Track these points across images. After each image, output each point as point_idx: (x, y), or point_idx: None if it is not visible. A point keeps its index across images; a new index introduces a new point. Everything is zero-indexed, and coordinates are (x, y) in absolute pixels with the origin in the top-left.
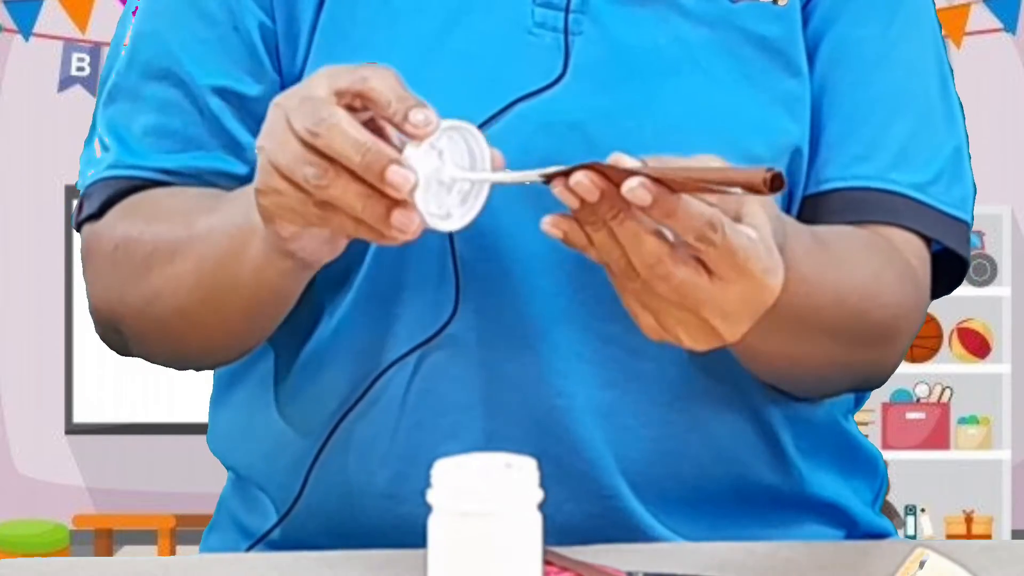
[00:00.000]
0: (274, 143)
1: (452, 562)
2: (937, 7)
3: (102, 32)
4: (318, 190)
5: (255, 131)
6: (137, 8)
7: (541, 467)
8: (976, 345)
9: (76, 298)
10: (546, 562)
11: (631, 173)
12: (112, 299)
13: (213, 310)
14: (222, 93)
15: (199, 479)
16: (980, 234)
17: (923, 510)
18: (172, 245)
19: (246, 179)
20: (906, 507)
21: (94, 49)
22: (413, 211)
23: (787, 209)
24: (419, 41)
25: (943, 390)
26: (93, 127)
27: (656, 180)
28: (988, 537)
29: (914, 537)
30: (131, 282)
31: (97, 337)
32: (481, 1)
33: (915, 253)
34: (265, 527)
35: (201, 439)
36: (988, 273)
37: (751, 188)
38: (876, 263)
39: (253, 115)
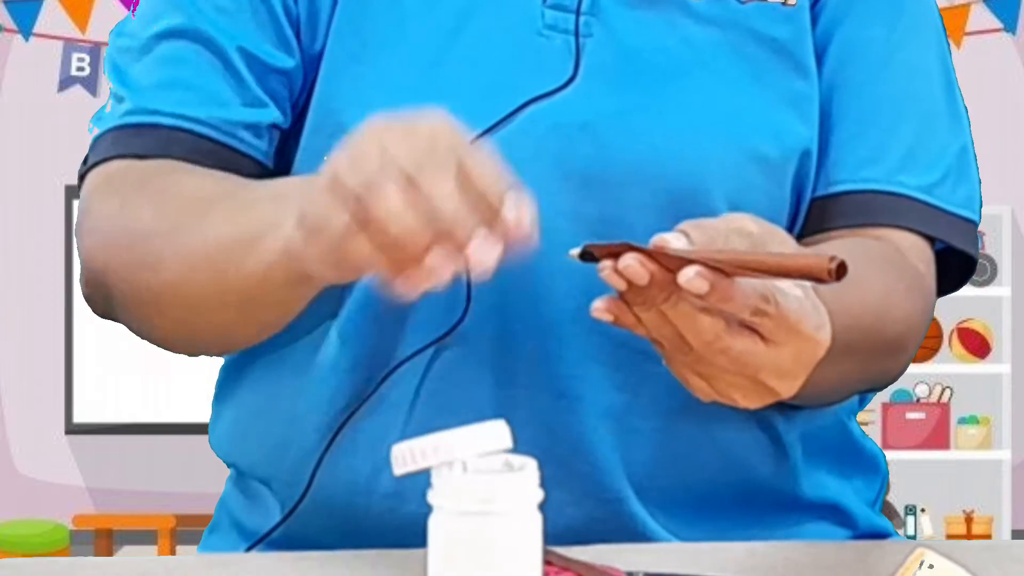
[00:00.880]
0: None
1: (452, 562)
2: (938, 7)
3: (102, 32)
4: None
5: (276, 103)
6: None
7: (546, 469)
8: (976, 345)
9: (76, 298)
10: (546, 562)
11: (684, 260)
12: (108, 260)
13: (214, 296)
14: (245, 55)
15: (199, 479)
16: (980, 234)
17: (923, 510)
18: (178, 215)
19: (261, 132)
20: (906, 507)
21: (94, 49)
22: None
23: (795, 210)
24: (429, 42)
25: (943, 390)
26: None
27: (711, 267)
28: (988, 537)
29: (914, 537)
30: (128, 248)
31: (97, 337)
32: (491, 2)
33: (921, 257)
34: (267, 526)
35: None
36: (988, 273)
37: (811, 277)
38: (887, 279)
39: (272, 87)
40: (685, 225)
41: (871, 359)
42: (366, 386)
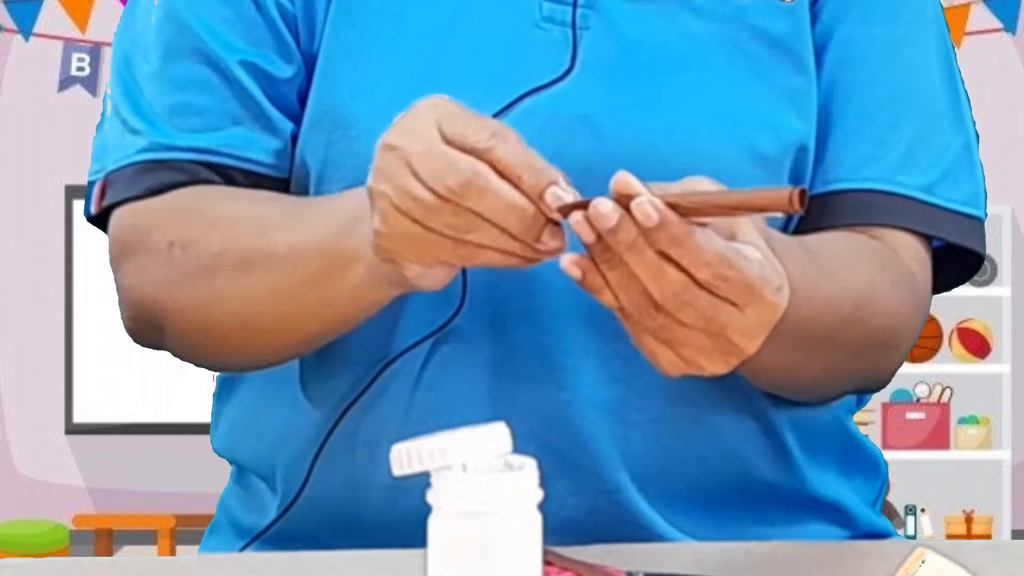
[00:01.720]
0: (399, 190)
1: (452, 562)
2: (940, 5)
3: (102, 32)
4: (463, 235)
5: (284, 112)
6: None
7: (545, 462)
8: (976, 345)
9: (76, 298)
10: (546, 562)
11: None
12: (163, 296)
13: (289, 326)
14: (250, 68)
15: (199, 479)
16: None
17: (923, 510)
18: (243, 254)
19: (279, 153)
20: (906, 507)
21: (94, 49)
22: (562, 231)
23: None
24: (427, 33)
25: (943, 390)
26: (105, 112)
27: (669, 205)
28: (988, 537)
29: (914, 537)
30: (189, 284)
31: (97, 337)
32: None
33: (915, 257)
34: (264, 523)
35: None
36: (988, 273)
37: (776, 209)
38: (869, 270)
39: (280, 95)
40: (652, 186)
41: (857, 352)
42: (363, 380)
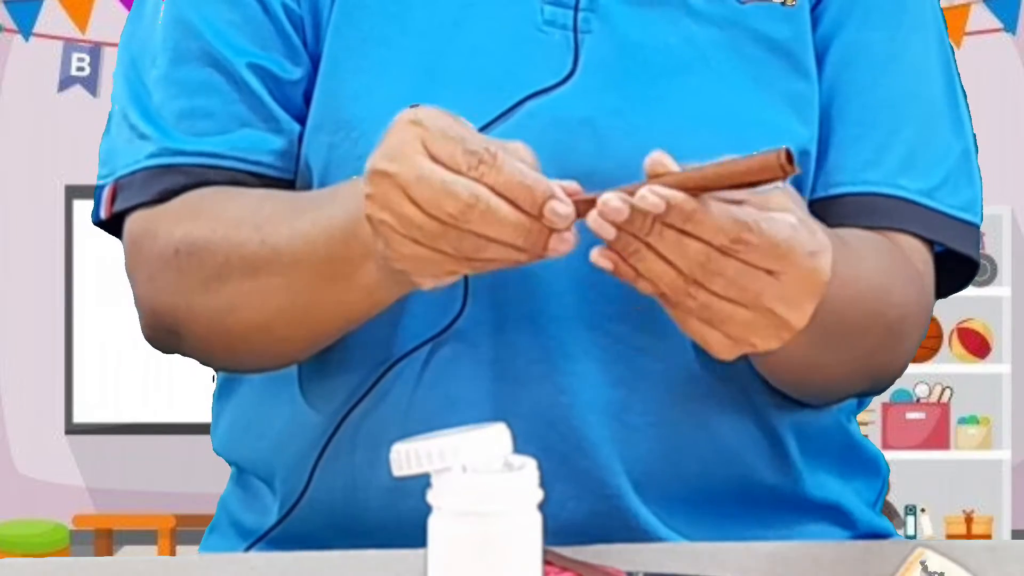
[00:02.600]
0: (401, 219)
1: (452, 562)
2: (941, 9)
3: (102, 32)
4: (472, 254)
5: (292, 113)
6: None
7: (546, 464)
8: (976, 345)
9: (76, 298)
10: (546, 562)
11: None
12: (177, 304)
13: (306, 327)
14: (257, 70)
15: (199, 479)
16: (980, 234)
17: (923, 510)
18: (251, 258)
19: (286, 155)
20: (906, 507)
21: (94, 49)
22: (569, 234)
23: None
24: (429, 36)
25: (943, 390)
26: (112, 116)
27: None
28: (988, 537)
29: (914, 537)
30: (201, 291)
31: (97, 337)
32: None
33: (921, 259)
34: (266, 524)
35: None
36: (988, 273)
37: (766, 175)
38: (887, 264)
39: (287, 97)
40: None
41: (872, 345)
42: (365, 382)
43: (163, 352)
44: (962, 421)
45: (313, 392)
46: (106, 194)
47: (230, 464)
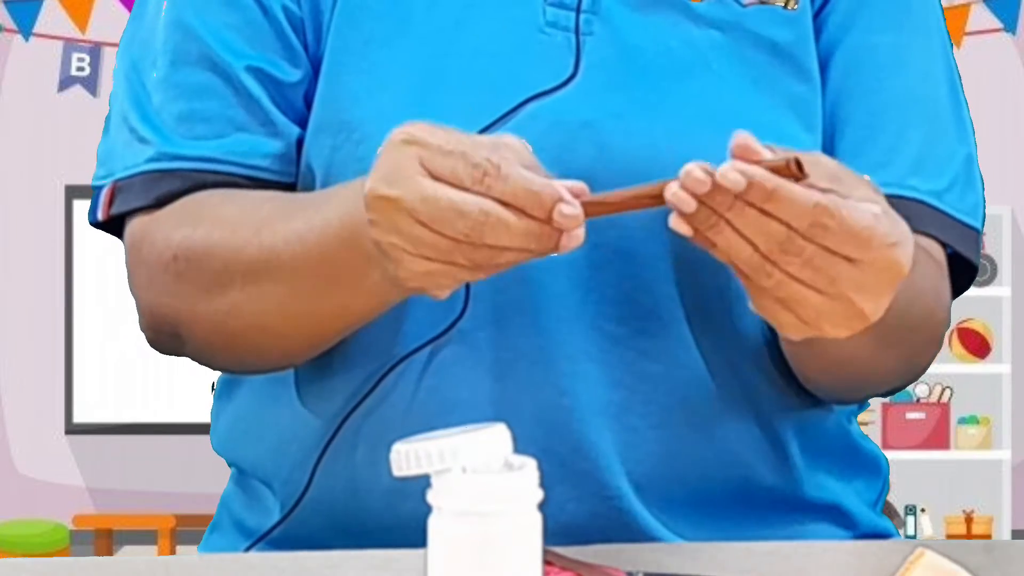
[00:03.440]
0: (411, 240)
1: (452, 562)
2: (943, 13)
3: (102, 32)
4: (486, 263)
5: (289, 115)
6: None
7: (546, 466)
8: (976, 345)
9: (76, 298)
10: (546, 562)
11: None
12: (179, 308)
13: (310, 329)
14: (257, 74)
15: (199, 479)
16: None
17: (923, 510)
18: (250, 264)
19: (284, 158)
20: (906, 507)
21: (94, 49)
22: (580, 230)
23: None
24: (431, 38)
25: (943, 390)
26: (111, 117)
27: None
28: (988, 537)
29: (914, 537)
30: (203, 296)
31: (97, 337)
32: None
33: (937, 258)
34: (267, 525)
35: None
36: (988, 273)
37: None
38: (932, 265)
39: (287, 100)
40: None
41: (923, 343)
42: (365, 384)
43: (165, 354)
44: (962, 421)
45: (312, 394)
46: (104, 195)
47: (230, 465)
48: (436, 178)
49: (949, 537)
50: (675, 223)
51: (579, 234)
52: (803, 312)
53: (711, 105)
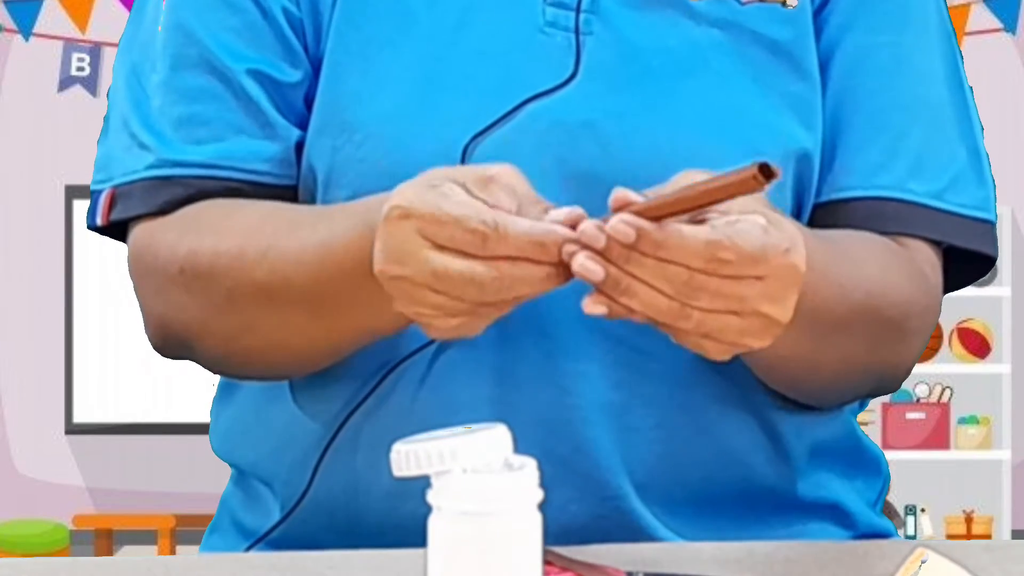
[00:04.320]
0: (437, 307)
1: (452, 562)
2: (947, 11)
3: (102, 32)
4: (513, 303)
5: (289, 117)
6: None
7: (547, 467)
8: (976, 345)
9: (76, 298)
10: (546, 562)
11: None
12: (190, 322)
13: (327, 344)
14: (257, 76)
15: (199, 479)
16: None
17: (923, 510)
18: (261, 286)
19: (284, 162)
20: (906, 507)
21: (94, 49)
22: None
23: (797, 215)
24: (431, 39)
25: (943, 390)
26: (111, 120)
27: (639, 214)
28: (988, 537)
29: (914, 537)
30: (214, 313)
31: (97, 337)
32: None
33: (927, 260)
34: (267, 526)
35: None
36: (988, 273)
37: (745, 189)
38: (882, 260)
39: (288, 102)
40: (649, 192)
41: (872, 343)
42: (366, 385)
43: (171, 359)
44: (962, 421)
45: (310, 396)
46: (103, 200)
47: (230, 466)
48: (441, 247)
49: (949, 537)
50: (588, 307)
51: (588, 258)
52: (725, 337)
53: (711, 104)
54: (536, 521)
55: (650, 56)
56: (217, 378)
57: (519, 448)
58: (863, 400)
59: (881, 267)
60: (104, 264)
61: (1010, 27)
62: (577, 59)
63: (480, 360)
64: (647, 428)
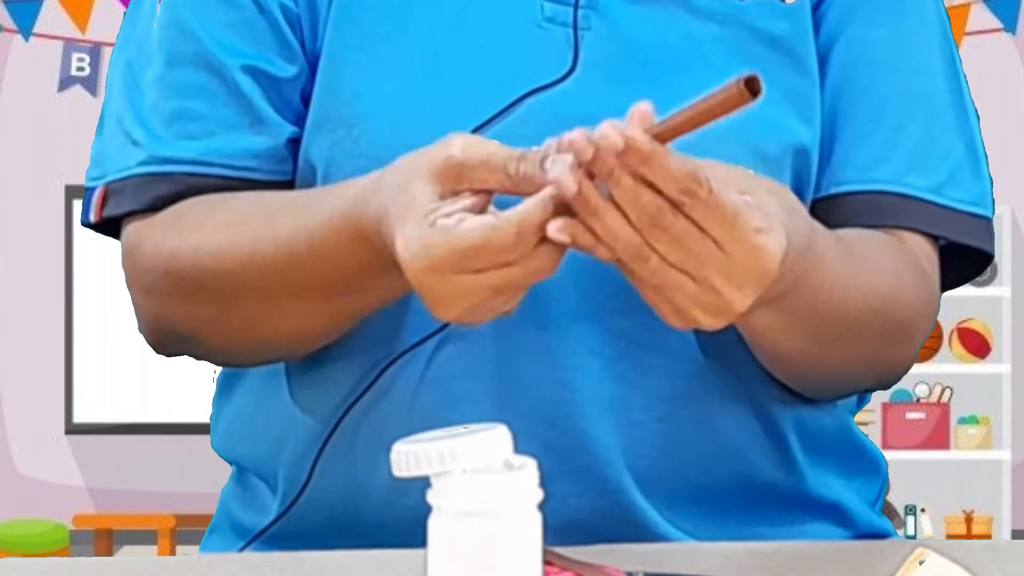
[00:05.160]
0: (463, 313)
1: (452, 562)
2: (944, 6)
3: (102, 32)
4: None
5: (284, 113)
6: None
7: (548, 461)
8: (976, 345)
9: (76, 298)
10: (546, 562)
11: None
12: (185, 318)
13: (336, 323)
14: (252, 72)
15: (199, 479)
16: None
17: (923, 510)
18: (259, 282)
19: (277, 158)
20: (906, 507)
21: (94, 49)
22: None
23: None
24: (429, 33)
25: (943, 390)
26: (106, 117)
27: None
28: (988, 537)
29: (914, 537)
30: (214, 311)
31: (97, 337)
32: None
33: (926, 256)
34: (264, 522)
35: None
36: (988, 273)
37: (737, 103)
38: (897, 265)
39: (283, 97)
40: None
41: (881, 344)
42: (366, 378)
43: (168, 356)
44: (962, 421)
45: (307, 390)
46: (96, 197)
47: (230, 463)
48: (478, 271)
49: (949, 537)
50: (553, 232)
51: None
52: (677, 300)
53: None
54: (536, 521)
55: (648, 51)
56: (217, 376)
57: (519, 442)
58: (861, 398)
59: (896, 271)
60: (104, 264)
61: (1010, 27)
62: (575, 54)
63: (480, 354)
64: (647, 422)
